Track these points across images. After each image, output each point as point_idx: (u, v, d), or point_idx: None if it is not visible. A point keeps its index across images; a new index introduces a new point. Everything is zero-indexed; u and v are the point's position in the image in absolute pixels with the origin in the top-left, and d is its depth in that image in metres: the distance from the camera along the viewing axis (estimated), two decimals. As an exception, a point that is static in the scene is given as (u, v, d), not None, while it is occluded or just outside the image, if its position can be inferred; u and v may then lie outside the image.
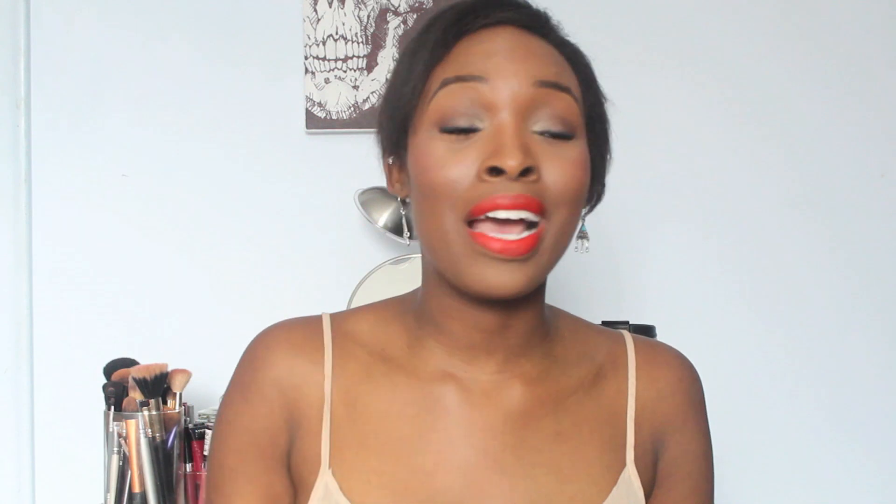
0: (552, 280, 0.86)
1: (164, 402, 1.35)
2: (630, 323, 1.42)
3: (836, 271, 1.65)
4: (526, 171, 0.75)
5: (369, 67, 1.63)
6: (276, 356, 0.85)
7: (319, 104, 1.62)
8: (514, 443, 0.83)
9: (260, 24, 1.64)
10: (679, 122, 1.65)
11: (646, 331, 1.40)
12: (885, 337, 1.65)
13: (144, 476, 1.31)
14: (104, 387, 1.35)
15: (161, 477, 1.32)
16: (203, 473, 1.39)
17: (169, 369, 1.37)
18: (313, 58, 1.63)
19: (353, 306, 1.30)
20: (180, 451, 1.37)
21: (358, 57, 1.63)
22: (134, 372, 1.34)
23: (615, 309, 1.61)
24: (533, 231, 0.76)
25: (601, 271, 1.63)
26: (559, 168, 0.77)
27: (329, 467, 0.81)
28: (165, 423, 1.34)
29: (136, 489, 1.31)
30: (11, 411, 1.62)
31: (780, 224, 1.65)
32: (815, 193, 1.65)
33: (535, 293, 0.82)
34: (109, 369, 1.38)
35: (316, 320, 0.87)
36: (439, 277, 0.82)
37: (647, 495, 0.87)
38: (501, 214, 0.75)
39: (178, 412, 1.36)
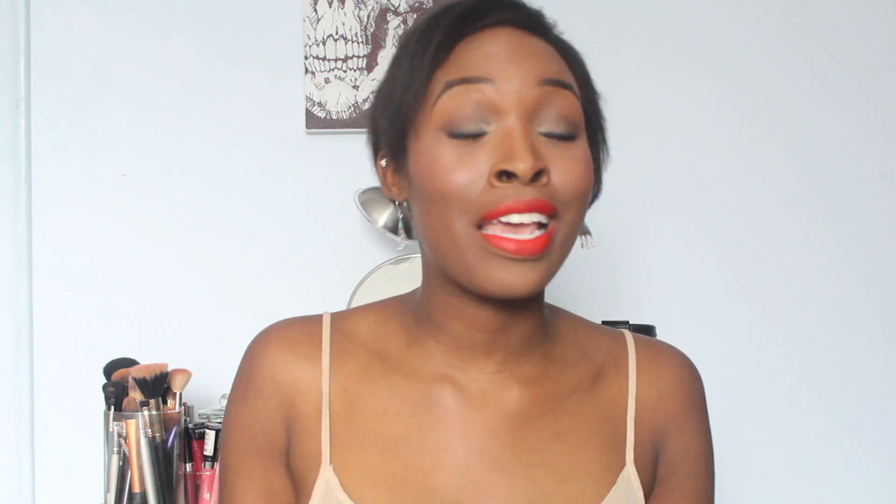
0: (552, 280, 0.86)
1: (164, 402, 1.35)
2: (630, 323, 1.42)
3: (836, 271, 1.65)
4: (537, 175, 0.75)
5: (369, 67, 1.63)
6: (272, 354, 0.85)
7: (319, 104, 1.62)
8: (512, 443, 0.83)
9: (260, 23, 1.64)
10: (679, 122, 1.65)
11: (646, 331, 1.40)
12: (885, 337, 1.65)
13: (144, 476, 1.31)
14: (104, 387, 1.35)
15: (161, 477, 1.32)
16: (203, 473, 1.40)
17: (169, 369, 1.37)
18: (313, 58, 1.63)
19: (353, 306, 1.30)
20: (180, 451, 1.37)
21: (358, 57, 1.63)
22: (134, 372, 1.34)
23: (615, 309, 1.61)
24: (544, 230, 0.76)
25: (601, 271, 1.63)
26: (567, 169, 0.77)
27: (330, 464, 0.81)
28: (165, 423, 1.34)
29: (136, 489, 1.31)
30: (11, 411, 1.62)
31: (780, 224, 1.65)
32: (815, 193, 1.65)
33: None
34: (109, 369, 1.38)
35: (315, 319, 0.87)
36: (442, 277, 0.82)
37: (647, 495, 0.87)
38: (515, 219, 0.75)
39: (178, 412, 1.36)
